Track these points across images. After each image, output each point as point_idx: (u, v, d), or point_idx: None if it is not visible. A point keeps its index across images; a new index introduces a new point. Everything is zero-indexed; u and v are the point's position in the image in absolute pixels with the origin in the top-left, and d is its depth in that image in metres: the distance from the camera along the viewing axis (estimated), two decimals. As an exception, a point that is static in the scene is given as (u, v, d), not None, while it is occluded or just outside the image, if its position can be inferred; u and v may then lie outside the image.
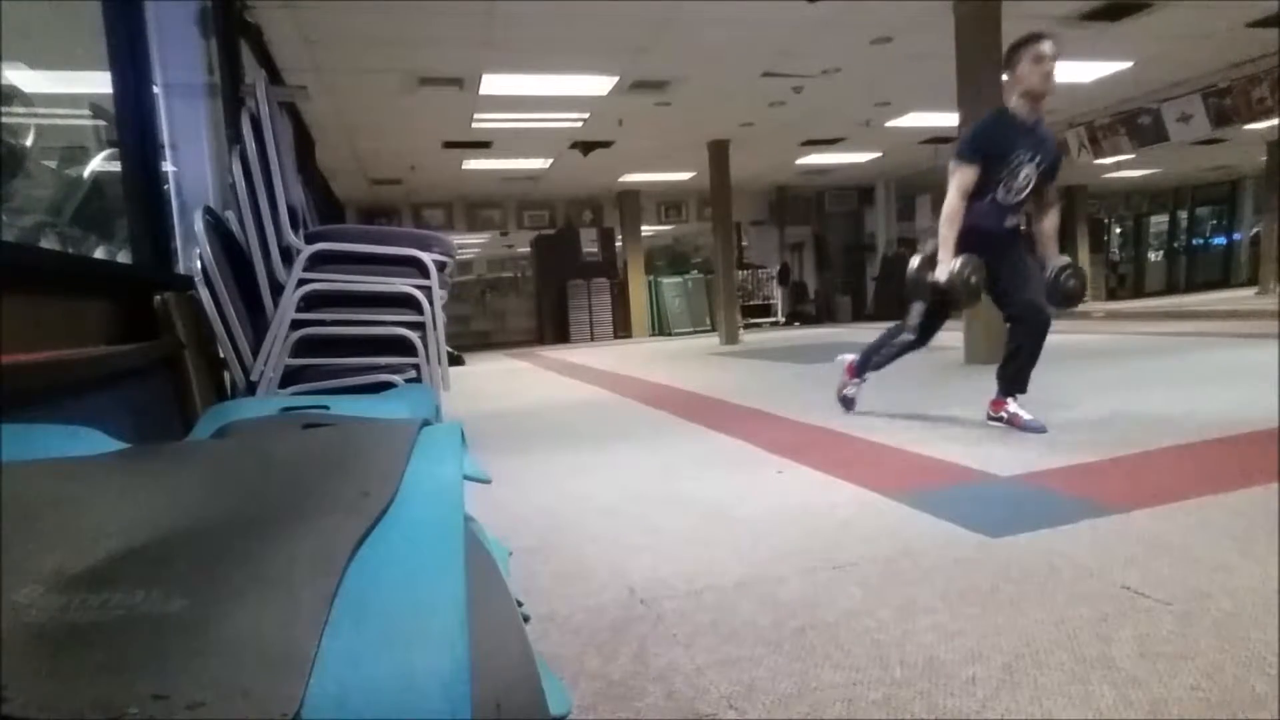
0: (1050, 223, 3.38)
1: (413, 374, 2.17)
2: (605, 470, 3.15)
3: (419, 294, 2.17)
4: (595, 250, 15.82)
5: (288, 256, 2.08)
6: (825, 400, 4.30)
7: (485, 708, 0.51)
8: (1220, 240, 19.56)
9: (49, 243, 2.34)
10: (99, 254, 2.59)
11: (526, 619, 0.88)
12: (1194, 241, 19.69)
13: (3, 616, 0.51)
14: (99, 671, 0.47)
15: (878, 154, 12.66)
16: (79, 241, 2.58)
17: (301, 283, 2.07)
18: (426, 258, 2.19)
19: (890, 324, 3.87)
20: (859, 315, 15.74)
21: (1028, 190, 3.20)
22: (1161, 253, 19.90)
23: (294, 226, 2.09)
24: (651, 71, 7.46)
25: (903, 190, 15.91)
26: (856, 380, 4.02)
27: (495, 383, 7.70)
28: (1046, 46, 3.09)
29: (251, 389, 2.00)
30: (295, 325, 2.07)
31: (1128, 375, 4.94)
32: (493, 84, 7.41)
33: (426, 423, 0.95)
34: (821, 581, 1.77)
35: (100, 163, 2.73)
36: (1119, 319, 9.44)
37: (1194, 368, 5.11)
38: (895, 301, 14.74)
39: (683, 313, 15.60)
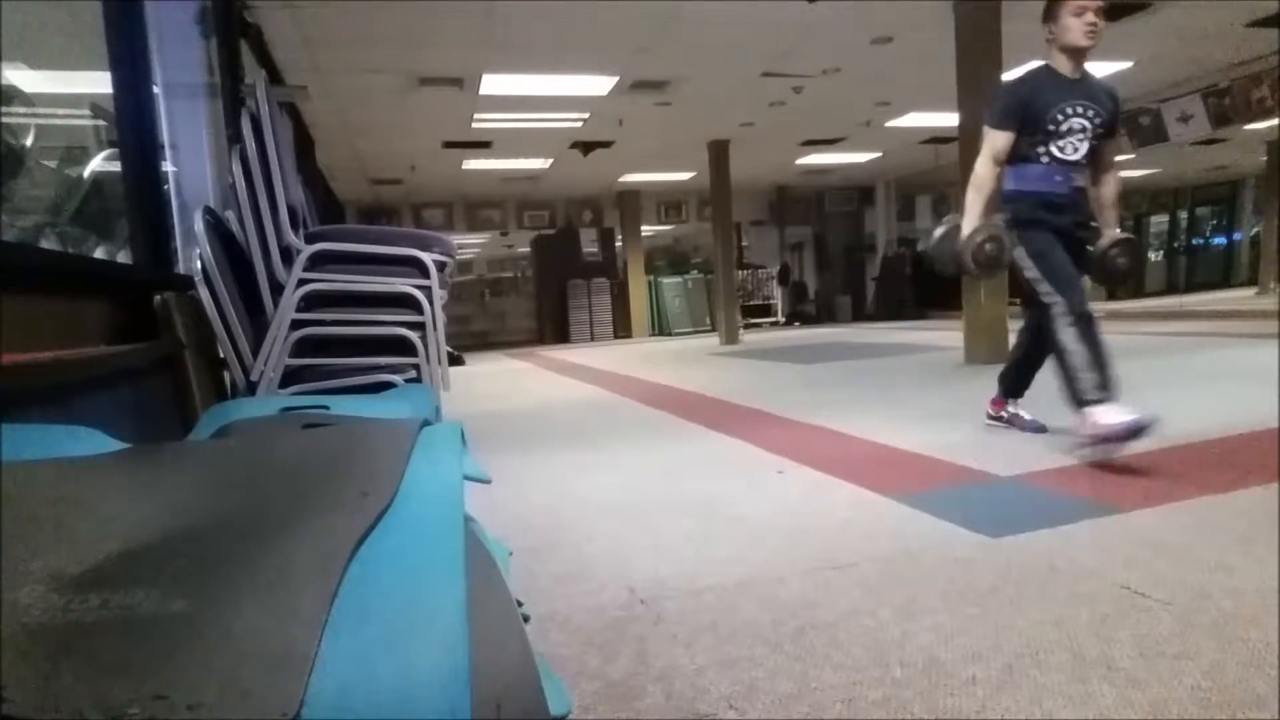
0: (1109, 189, 3.06)
1: (413, 374, 2.17)
2: (605, 470, 3.15)
3: (419, 294, 2.17)
4: (595, 250, 15.81)
5: (288, 256, 2.08)
6: (825, 400, 4.30)
7: (485, 708, 0.51)
8: (1220, 240, 19.54)
9: (49, 243, 2.34)
10: (99, 254, 2.59)
11: (526, 619, 0.88)
12: (1194, 241, 19.68)
13: (3, 616, 0.51)
14: (99, 671, 0.47)
15: (878, 154, 12.66)
16: (79, 241, 2.58)
17: (301, 283, 2.07)
18: (426, 258, 2.19)
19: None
20: (859, 315, 15.74)
21: (1086, 144, 2.91)
22: (1161, 253, 19.89)
23: (294, 226, 2.09)
24: (651, 71, 7.46)
25: (903, 190, 15.91)
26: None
27: (495, 383, 7.70)
28: None
29: (251, 389, 2.00)
30: (295, 325, 2.07)
31: (1128, 375, 4.92)
32: (493, 84, 7.41)
33: (426, 423, 0.95)
34: (821, 581, 1.77)
35: (100, 163, 2.73)
36: (1119, 319, 9.45)
37: (1194, 368, 5.11)
38: (896, 302, 14.81)
39: (683, 313, 15.60)
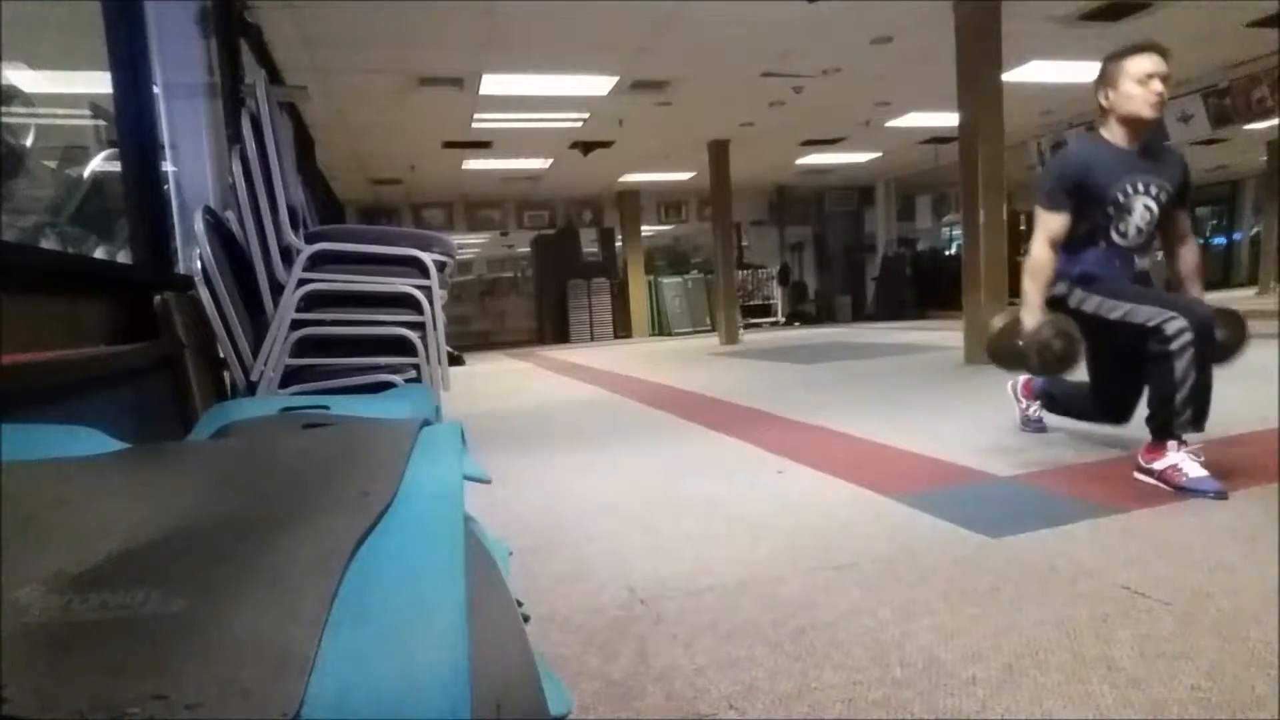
0: (1187, 261, 2.67)
1: (413, 374, 2.17)
2: (605, 470, 3.15)
3: (419, 294, 2.17)
4: (595, 250, 15.81)
5: (288, 256, 2.08)
6: (825, 400, 4.30)
7: (485, 708, 0.51)
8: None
9: (49, 243, 2.34)
10: (99, 254, 2.59)
11: (526, 619, 0.88)
12: (1194, 241, 19.67)
13: (3, 616, 0.51)
14: (99, 671, 0.47)
15: (878, 154, 12.66)
16: (79, 241, 2.58)
17: (301, 283, 2.07)
18: (426, 258, 2.19)
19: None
20: (859, 315, 15.75)
21: (1152, 225, 2.58)
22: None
23: (294, 226, 2.09)
24: (651, 71, 7.46)
25: (903, 190, 15.91)
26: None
27: (495, 383, 7.70)
28: (1155, 61, 2.46)
29: (251, 389, 2.00)
30: (295, 325, 2.07)
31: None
32: (493, 84, 7.41)
33: (426, 423, 0.95)
34: (821, 581, 1.77)
35: (100, 163, 2.73)
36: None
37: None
38: (896, 302, 14.82)
39: (683, 313, 15.60)
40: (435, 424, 0.98)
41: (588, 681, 1.37)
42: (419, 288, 2.18)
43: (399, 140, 9.53)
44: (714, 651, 1.45)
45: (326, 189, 10.45)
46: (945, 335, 8.61)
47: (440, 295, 2.23)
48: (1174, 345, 2.30)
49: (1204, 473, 2.29)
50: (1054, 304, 2.63)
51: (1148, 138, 2.57)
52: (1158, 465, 2.37)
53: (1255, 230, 17.30)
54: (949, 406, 4.09)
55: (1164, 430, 2.36)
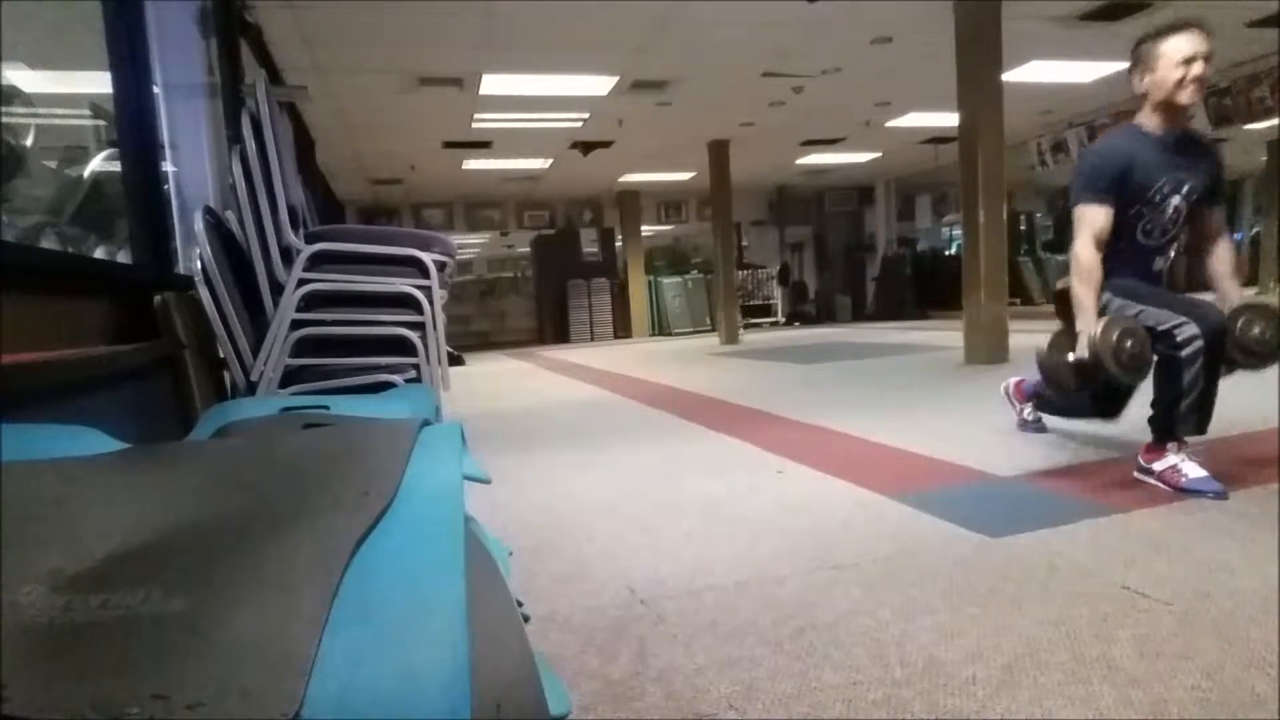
0: (1222, 259, 2.53)
1: (413, 374, 2.17)
2: (605, 470, 3.15)
3: (419, 294, 2.17)
4: (595, 250, 15.79)
5: (288, 256, 2.08)
6: (825, 400, 4.30)
7: (485, 708, 0.51)
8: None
9: (49, 243, 2.34)
10: (99, 254, 2.59)
11: (526, 619, 0.88)
12: (1194, 241, 19.66)
13: (3, 616, 0.51)
14: (99, 671, 0.47)
15: (878, 154, 12.66)
16: (79, 241, 2.58)
17: (301, 283, 2.07)
18: (426, 258, 2.19)
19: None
20: (859, 315, 15.74)
21: (1177, 226, 2.48)
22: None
23: (294, 226, 2.09)
24: (651, 71, 7.46)
25: (902, 190, 15.91)
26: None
27: (495, 383, 7.70)
28: (1195, 41, 2.30)
29: (251, 389, 2.00)
30: (295, 325, 2.07)
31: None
32: (493, 84, 7.41)
33: (426, 423, 0.95)
34: (821, 581, 1.77)
35: (100, 163, 2.73)
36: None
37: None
38: (896, 301, 14.83)
39: (683, 313, 15.60)
40: (435, 424, 0.98)
41: (587, 681, 1.37)
42: (419, 288, 2.18)
43: (399, 140, 9.53)
44: (714, 651, 1.45)
45: (326, 189, 10.45)
46: (945, 335, 8.61)
47: (440, 295, 2.23)
48: (1185, 352, 2.25)
49: (1204, 473, 2.28)
50: (1061, 298, 2.57)
51: (1184, 128, 2.46)
52: (1158, 466, 2.36)
53: (1255, 230, 17.29)
54: (949, 406, 4.09)
55: (1166, 432, 2.35)
